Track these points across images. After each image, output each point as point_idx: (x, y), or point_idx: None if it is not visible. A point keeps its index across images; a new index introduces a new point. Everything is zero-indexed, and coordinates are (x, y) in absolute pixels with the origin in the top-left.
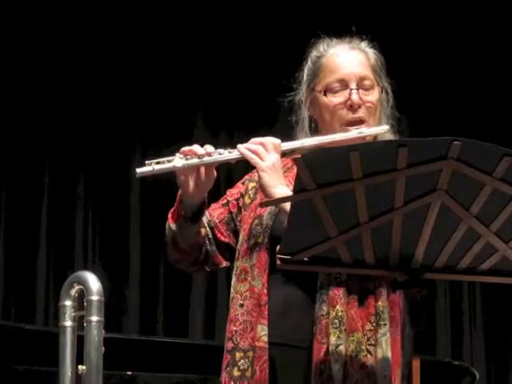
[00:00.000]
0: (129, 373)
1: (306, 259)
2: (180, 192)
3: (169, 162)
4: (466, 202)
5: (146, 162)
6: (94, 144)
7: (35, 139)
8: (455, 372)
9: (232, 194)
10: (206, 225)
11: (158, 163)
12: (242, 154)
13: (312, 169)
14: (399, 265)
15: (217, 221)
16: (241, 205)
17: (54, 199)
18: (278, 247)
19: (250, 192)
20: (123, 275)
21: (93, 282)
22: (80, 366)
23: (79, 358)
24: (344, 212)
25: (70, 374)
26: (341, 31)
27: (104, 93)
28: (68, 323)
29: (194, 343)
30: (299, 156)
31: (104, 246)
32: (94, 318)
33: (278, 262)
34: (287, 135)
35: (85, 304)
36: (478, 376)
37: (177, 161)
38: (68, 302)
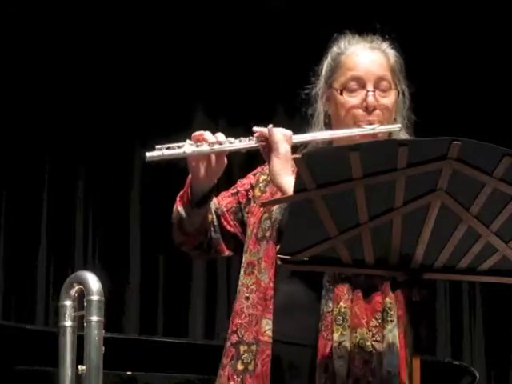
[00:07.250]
0: (129, 373)
1: (306, 259)
2: (190, 177)
3: (179, 148)
4: (466, 202)
5: (157, 146)
6: (93, 143)
7: (35, 139)
8: (455, 372)
9: (242, 184)
10: (214, 212)
11: (168, 148)
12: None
13: (312, 168)
14: (399, 265)
15: (224, 209)
16: (250, 196)
17: (54, 199)
18: (277, 247)
19: (260, 184)
20: (123, 275)
21: (93, 282)
22: (80, 366)
23: (79, 358)
24: (344, 212)
25: (70, 373)
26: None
27: (105, 91)
28: (68, 323)
29: (194, 343)
30: (299, 156)
31: (104, 246)
32: (94, 318)
33: (279, 261)
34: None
35: (85, 304)
36: (478, 376)
37: (187, 147)
38: (68, 302)
